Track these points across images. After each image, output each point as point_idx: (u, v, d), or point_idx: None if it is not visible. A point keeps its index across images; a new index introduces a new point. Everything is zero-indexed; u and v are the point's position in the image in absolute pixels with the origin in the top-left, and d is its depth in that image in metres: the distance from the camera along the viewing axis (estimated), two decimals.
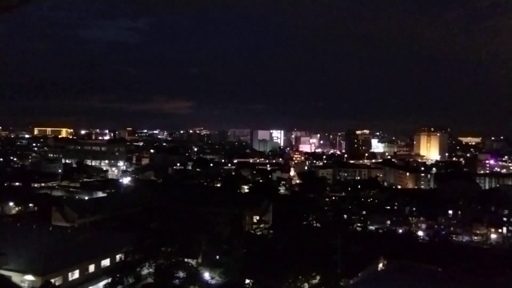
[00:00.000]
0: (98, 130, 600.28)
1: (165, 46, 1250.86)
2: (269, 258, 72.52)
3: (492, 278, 53.42)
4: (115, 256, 72.35)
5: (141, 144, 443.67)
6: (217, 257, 78.29)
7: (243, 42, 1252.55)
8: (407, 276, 42.29)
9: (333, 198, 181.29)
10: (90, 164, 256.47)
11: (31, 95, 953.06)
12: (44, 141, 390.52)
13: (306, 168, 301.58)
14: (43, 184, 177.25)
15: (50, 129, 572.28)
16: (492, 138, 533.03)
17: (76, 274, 65.46)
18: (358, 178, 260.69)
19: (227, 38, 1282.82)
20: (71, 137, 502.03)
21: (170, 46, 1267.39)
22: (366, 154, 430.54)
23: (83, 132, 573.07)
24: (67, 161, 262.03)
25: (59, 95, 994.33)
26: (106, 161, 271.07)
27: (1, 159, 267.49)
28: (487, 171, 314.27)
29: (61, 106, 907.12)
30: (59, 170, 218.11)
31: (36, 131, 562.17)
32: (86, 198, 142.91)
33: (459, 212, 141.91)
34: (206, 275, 73.04)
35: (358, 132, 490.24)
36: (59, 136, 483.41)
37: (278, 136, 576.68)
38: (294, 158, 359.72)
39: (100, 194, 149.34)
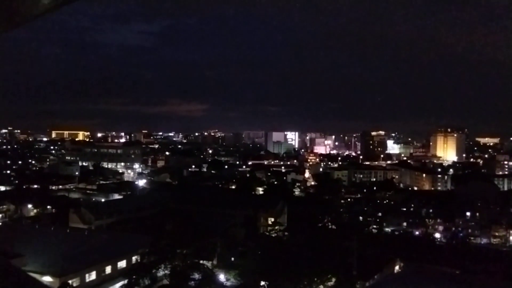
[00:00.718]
0: (114, 133, 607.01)
1: (180, 49, 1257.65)
2: (284, 260, 72.36)
3: (511, 282, 52.50)
4: (131, 258, 72.99)
5: (156, 146, 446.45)
6: (232, 259, 78.44)
7: (257, 45, 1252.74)
8: (424, 279, 41.81)
9: (349, 199, 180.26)
10: (106, 166, 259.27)
11: (48, 99, 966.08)
12: (61, 144, 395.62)
13: (321, 169, 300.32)
14: (60, 186, 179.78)
15: (67, 132, 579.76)
16: (511, 138, 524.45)
17: (93, 275, 66.23)
18: (374, 179, 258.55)
19: (241, 41, 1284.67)
20: (87, 140, 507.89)
21: (184, 49, 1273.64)
22: (382, 156, 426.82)
23: (99, 135, 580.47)
24: (84, 163, 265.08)
25: (76, 98, 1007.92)
26: (122, 164, 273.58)
27: (20, 162, 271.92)
28: (506, 172, 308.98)
29: (78, 110, 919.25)
30: (76, 173, 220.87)
31: (53, 134, 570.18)
32: (103, 200, 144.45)
33: (477, 214, 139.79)
34: (221, 277, 73.22)
35: (373, 133, 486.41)
36: (76, 139, 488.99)
37: (292, 137, 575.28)
38: (308, 160, 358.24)
39: (116, 196, 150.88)
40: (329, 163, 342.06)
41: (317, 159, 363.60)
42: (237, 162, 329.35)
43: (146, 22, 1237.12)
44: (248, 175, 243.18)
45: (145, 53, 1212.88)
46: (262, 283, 70.91)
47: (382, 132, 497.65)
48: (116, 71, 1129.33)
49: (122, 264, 71.75)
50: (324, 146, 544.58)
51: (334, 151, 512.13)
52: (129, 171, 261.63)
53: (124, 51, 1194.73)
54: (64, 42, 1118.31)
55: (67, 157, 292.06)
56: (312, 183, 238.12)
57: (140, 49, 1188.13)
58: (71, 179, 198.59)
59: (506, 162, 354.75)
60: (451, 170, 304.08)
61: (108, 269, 69.17)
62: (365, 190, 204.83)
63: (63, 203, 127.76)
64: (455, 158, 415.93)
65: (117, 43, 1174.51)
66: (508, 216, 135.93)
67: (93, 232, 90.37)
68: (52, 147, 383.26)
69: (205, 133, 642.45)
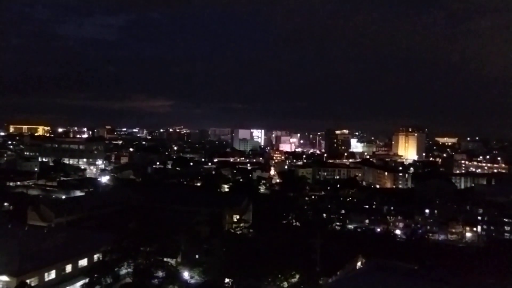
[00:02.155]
0: (76, 128, 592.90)
1: (145, 44, 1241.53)
2: (249, 257, 72.63)
3: (467, 276, 54.62)
4: (93, 256, 71.47)
5: (120, 142, 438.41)
6: (197, 256, 78.07)
7: (224, 42, 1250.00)
8: (385, 274, 42.92)
9: (313, 197, 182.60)
10: (67, 162, 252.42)
11: (6, 92, 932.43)
12: (20, 139, 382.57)
13: (286, 167, 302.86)
14: (18, 183, 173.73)
15: (26, 126, 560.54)
16: (468, 138, 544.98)
17: (52, 274, 64.44)
18: (337, 177, 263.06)
19: (208, 38, 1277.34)
20: (48, 135, 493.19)
21: (150, 44, 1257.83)
22: (345, 154, 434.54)
23: (60, 130, 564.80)
24: (43, 159, 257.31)
25: (36, 92, 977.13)
26: (84, 160, 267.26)
27: None
28: (463, 171, 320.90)
29: (38, 104, 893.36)
30: (36, 169, 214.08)
31: (11, 129, 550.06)
32: (63, 197, 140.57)
33: (436, 211, 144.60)
34: (186, 275, 72.79)
35: (337, 132, 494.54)
36: (36, 134, 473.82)
37: (258, 135, 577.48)
38: (274, 158, 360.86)
39: (78, 193, 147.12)
40: (294, 161, 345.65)
41: (283, 157, 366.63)
42: (203, 159, 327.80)
43: (110, 15, 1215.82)
44: (213, 172, 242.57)
45: (109, 47, 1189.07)
46: (227, 280, 70.97)
47: (346, 131, 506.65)
48: (78, 65, 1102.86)
49: (83, 262, 70.14)
50: (290, 144, 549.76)
51: (299, 149, 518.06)
52: (91, 167, 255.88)
53: (87, 45, 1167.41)
54: (24, 33, 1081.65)
55: (26, 153, 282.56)
56: (277, 180, 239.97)
57: (104, 43, 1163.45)
58: (30, 175, 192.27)
59: (463, 162, 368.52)
60: (411, 168, 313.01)
61: (69, 268, 67.46)
62: (329, 188, 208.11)
63: (22, 200, 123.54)
64: (415, 157, 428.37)
65: (80, 36, 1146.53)
66: (464, 213, 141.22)
67: (53, 230, 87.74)
68: (10, 142, 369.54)
69: (170, 130, 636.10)
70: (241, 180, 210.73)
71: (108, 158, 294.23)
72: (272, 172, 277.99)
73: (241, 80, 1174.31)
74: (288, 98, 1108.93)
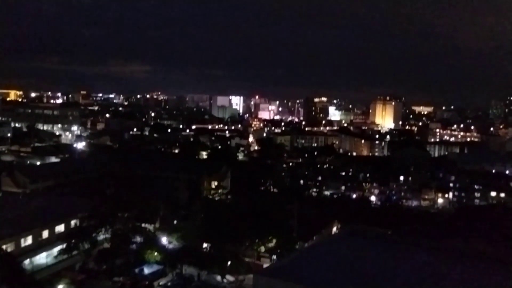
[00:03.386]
0: (49, 93, 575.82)
1: (122, 7, 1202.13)
2: (227, 222, 73.53)
3: (438, 240, 56.67)
4: (70, 222, 71.17)
5: (96, 108, 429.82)
6: (175, 222, 78.59)
7: (203, 6, 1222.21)
8: (359, 239, 44.10)
9: (290, 164, 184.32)
10: (41, 128, 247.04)
11: None
12: None
13: (264, 134, 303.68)
14: None
15: None
16: (443, 108, 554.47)
17: (29, 240, 64.04)
18: (315, 145, 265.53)
19: (186, 1, 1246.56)
20: (20, 100, 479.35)
21: (126, 7, 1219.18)
22: (323, 122, 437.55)
23: (33, 95, 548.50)
24: (16, 125, 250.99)
25: (7, 55, 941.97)
26: (59, 126, 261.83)
27: None
28: (437, 140, 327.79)
29: (9, 67, 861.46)
30: (8, 134, 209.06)
31: None
32: (38, 163, 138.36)
33: (410, 178, 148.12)
34: (164, 240, 73.35)
35: (316, 99, 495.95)
36: (7, 99, 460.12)
37: (237, 102, 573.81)
38: (253, 125, 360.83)
39: (53, 160, 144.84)
40: (273, 128, 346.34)
41: (261, 124, 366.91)
42: (181, 126, 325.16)
43: None
44: (191, 139, 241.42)
45: (84, 9, 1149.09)
46: (205, 245, 71.92)
47: (324, 99, 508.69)
48: (52, 27, 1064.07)
49: (60, 228, 69.77)
50: (268, 112, 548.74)
51: (278, 117, 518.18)
52: (67, 133, 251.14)
53: (61, 6, 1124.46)
54: None
55: None
56: (256, 147, 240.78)
57: (79, 5, 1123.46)
58: (3, 141, 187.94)
59: (438, 130, 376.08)
60: (388, 136, 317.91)
61: (45, 234, 67.06)
62: (306, 155, 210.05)
63: None
64: (392, 125, 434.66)
65: None
66: (437, 180, 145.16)
67: (28, 196, 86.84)
68: None
69: (148, 96, 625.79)
70: (219, 147, 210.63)
71: (84, 124, 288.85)
72: (251, 139, 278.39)
73: (220, 46, 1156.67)
74: (268, 66, 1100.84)
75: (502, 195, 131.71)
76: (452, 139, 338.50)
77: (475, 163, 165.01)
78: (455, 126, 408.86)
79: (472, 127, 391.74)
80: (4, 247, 57.83)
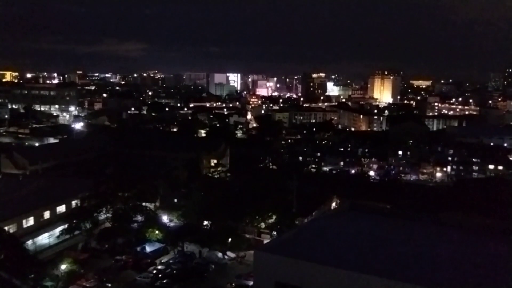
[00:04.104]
0: (45, 73, 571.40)
1: None
2: (227, 200, 74.05)
3: (436, 213, 57.17)
4: (71, 203, 71.69)
5: (93, 88, 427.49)
6: (175, 200, 79.15)
7: None
8: (358, 214, 44.42)
9: (289, 140, 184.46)
10: (39, 109, 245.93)
11: None
12: None
13: (263, 111, 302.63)
14: None
15: None
16: (442, 81, 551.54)
17: (31, 221, 64.59)
18: (314, 121, 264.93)
19: None
20: (16, 80, 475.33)
21: None
22: (322, 98, 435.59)
23: (29, 75, 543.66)
24: (13, 106, 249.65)
25: (1, 35, 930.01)
26: (56, 106, 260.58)
27: None
28: (436, 113, 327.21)
29: (3, 48, 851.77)
30: (6, 116, 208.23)
31: None
32: (37, 144, 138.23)
33: (408, 153, 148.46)
34: (164, 218, 74.01)
35: (314, 75, 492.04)
36: (3, 80, 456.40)
37: (235, 79, 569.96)
38: (251, 102, 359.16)
39: (52, 140, 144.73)
40: (271, 105, 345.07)
41: (259, 101, 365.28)
42: (178, 105, 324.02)
43: None
44: (190, 117, 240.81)
45: None
46: (205, 222, 72.57)
47: (322, 74, 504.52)
48: (46, 5, 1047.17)
49: (61, 209, 70.36)
50: (266, 88, 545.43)
51: (276, 93, 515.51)
52: (64, 114, 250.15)
53: None
54: None
55: None
56: (254, 125, 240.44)
57: None
58: (1, 122, 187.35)
59: (436, 104, 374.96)
60: (386, 111, 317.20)
61: (47, 214, 67.64)
62: (305, 132, 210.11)
63: None
64: (390, 100, 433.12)
65: None
66: (435, 154, 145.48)
67: (28, 177, 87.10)
68: None
69: (144, 74, 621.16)
70: (217, 125, 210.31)
71: (81, 104, 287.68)
72: (249, 116, 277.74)
73: (216, 23, 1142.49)
74: (265, 42, 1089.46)
75: (500, 167, 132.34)
76: (451, 112, 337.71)
77: (473, 137, 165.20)
78: (453, 99, 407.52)
79: (471, 101, 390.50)
80: (6, 228, 58.33)
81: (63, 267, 55.22)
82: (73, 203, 71.85)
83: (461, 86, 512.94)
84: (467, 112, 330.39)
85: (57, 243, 65.80)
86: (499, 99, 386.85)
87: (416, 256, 33.79)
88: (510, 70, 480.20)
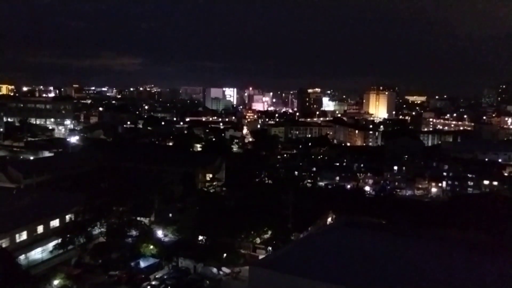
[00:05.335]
0: (42, 87, 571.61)
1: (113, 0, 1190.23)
2: (222, 215, 73.67)
3: (432, 229, 57.12)
4: (65, 217, 70.97)
5: (89, 101, 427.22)
6: (170, 215, 78.62)
7: None
8: (353, 229, 44.34)
9: (285, 155, 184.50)
10: (34, 122, 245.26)
11: None
12: None
13: (258, 126, 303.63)
14: None
15: None
16: (436, 97, 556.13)
17: (24, 236, 63.83)
18: (309, 135, 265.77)
19: None
20: (12, 94, 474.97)
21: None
22: (317, 112, 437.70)
23: (25, 89, 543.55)
24: (9, 119, 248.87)
25: None
26: (52, 120, 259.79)
27: None
28: (431, 129, 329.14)
29: (1, 61, 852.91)
30: (1, 129, 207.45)
31: None
32: (32, 158, 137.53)
33: (404, 168, 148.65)
34: (159, 233, 73.44)
35: (309, 90, 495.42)
36: None
37: (231, 94, 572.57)
38: (247, 117, 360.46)
39: (47, 154, 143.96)
40: (267, 119, 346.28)
41: (255, 116, 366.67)
42: (174, 119, 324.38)
43: None
44: (185, 131, 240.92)
45: (75, 1, 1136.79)
46: (200, 237, 72.08)
47: (318, 90, 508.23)
48: (43, 20, 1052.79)
49: (55, 223, 69.57)
50: (262, 103, 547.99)
51: (272, 108, 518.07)
52: (60, 127, 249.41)
53: None
54: None
55: None
56: (250, 139, 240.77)
57: None
58: None
59: (431, 119, 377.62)
60: (381, 126, 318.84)
61: (40, 229, 66.87)
62: (300, 146, 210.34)
63: None
64: (385, 115, 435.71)
65: None
66: (431, 169, 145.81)
67: (22, 191, 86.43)
68: None
69: (141, 88, 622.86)
70: (213, 139, 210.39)
71: (77, 117, 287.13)
72: (245, 131, 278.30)
73: (213, 38, 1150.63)
74: (261, 57, 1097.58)
75: (495, 183, 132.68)
76: (445, 128, 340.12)
77: (468, 152, 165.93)
78: (448, 115, 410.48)
79: (465, 116, 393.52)
80: None
81: (56, 282, 54.50)
82: (67, 217, 71.16)
83: (456, 101, 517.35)
84: (461, 128, 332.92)
85: (50, 258, 64.97)
86: (493, 115, 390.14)
87: (412, 272, 33.67)
88: (504, 86, 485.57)
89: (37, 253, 64.55)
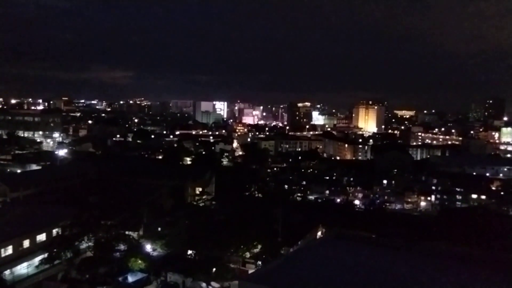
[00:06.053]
0: (30, 99, 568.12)
1: (103, 13, 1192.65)
2: (212, 228, 73.19)
3: (421, 243, 57.25)
4: (52, 231, 70.04)
5: (78, 114, 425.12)
6: (159, 229, 77.90)
7: (185, 11, 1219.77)
8: (343, 243, 44.34)
9: (275, 169, 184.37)
10: (22, 135, 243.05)
11: None
12: None
13: (249, 139, 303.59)
14: None
15: None
16: (425, 111, 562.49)
17: (9, 250, 62.80)
18: (299, 149, 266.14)
19: (171, 7, 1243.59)
20: (0, 106, 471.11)
21: (108, 12, 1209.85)
22: (307, 126, 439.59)
23: (13, 101, 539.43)
24: None
25: None
26: (40, 133, 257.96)
27: None
28: (419, 143, 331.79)
29: None
30: None
31: None
32: (19, 171, 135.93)
33: (393, 182, 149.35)
34: (148, 247, 72.67)
35: (299, 104, 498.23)
36: None
37: (221, 107, 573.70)
38: (237, 130, 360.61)
39: (34, 167, 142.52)
40: (257, 133, 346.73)
41: (245, 129, 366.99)
42: (164, 132, 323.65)
43: None
44: (175, 145, 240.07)
45: (65, 14, 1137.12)
46: (190, 252, 71.42)
47: (308, 104, 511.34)
48: (33, 32, 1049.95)
49: (42, 237, 68.62)
50: (253, 117, 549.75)
51: (262, 122, 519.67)
52: (48, 140, 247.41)
53: (42, 11, 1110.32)
54: None
55: None
56: (240, 153, 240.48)
57: (59, 10, 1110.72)
58: None
59: (420, 134, 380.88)
60: (371, 140, 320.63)
61: (26, 243, 65.88)
62: (290, 160, 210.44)
63: None
64: (375, 129, 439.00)
65: (34, 2, 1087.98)
66: (420, 183, 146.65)
67: (8, 205, 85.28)
68: None
69: (131, 102, 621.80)
70: (203, 152, 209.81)
71: (66, 130, 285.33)
72: (235, 144, 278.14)
73: (203, 52, 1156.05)
74: (251, 71, 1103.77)
75: (483, 197, 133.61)
76: (434, 142, 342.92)
77: (456, 166, 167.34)
78: (436, 129, 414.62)
79: (453, 130, 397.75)
80: None
81: None
82: (54, 231, 70.21)
83: (443, 116, 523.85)
84: (449, 142, 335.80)
85: (35, 273, 63.87)
86: (481, 130, 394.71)
87: (402, 285, 33.66)
88: (491, 101, 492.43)
89: (23, 268, 63.51)
